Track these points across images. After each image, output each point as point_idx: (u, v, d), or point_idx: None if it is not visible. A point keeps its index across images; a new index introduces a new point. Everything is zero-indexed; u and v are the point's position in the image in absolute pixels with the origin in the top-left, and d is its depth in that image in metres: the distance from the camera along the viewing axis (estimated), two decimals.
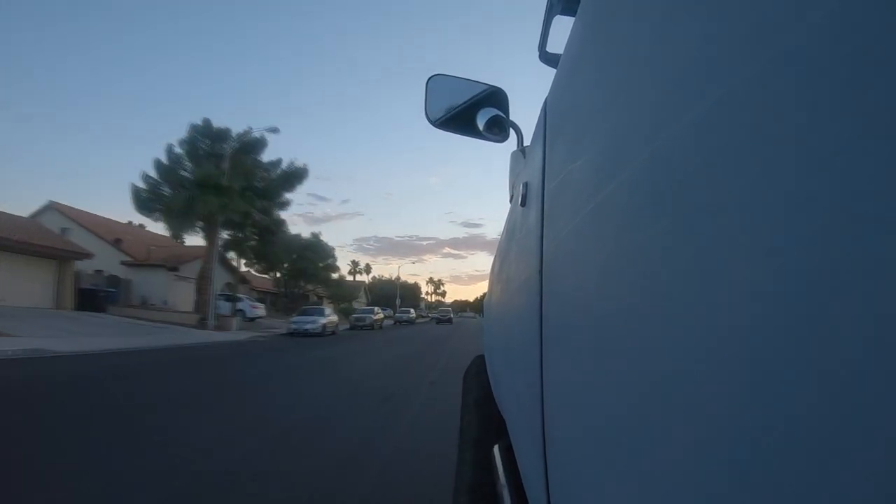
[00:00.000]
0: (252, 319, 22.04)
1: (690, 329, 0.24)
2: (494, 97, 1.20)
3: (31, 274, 16.07)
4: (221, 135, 18.88)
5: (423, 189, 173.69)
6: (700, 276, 0.23)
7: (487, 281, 1.66)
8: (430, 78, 1.26)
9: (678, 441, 0.24)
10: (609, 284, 0.36)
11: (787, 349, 0.17)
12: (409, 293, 64.82)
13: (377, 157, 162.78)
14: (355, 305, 40.37)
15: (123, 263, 21.65)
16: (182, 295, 20.94)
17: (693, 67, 0.26)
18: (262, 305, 24.76)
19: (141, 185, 17.65)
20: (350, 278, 62.12)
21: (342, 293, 37.18)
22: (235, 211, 17.30)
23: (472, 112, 1.19)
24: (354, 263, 71.41)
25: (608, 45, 0.43)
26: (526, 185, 0.79)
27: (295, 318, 18.40)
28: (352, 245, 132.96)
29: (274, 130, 18.81)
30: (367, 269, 75.85)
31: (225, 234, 19.82)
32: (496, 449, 0.96)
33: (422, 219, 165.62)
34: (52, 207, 22.00)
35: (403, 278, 72.83)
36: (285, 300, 25.08)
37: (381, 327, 27.49)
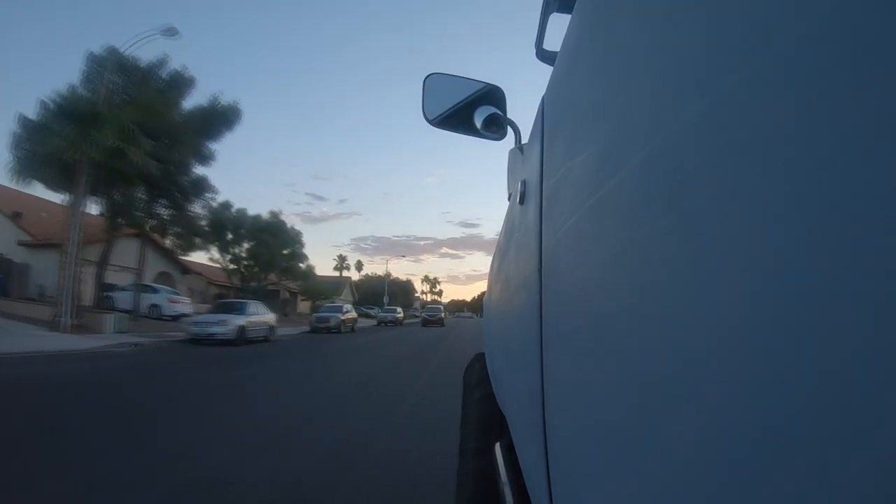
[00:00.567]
0: (176, 318, 16.04)
1: (690, 326, 0.24)
2: (492, 95, 1.20)
3: None
4: (129, 66, 13.00)
5: (421, 189, 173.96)
6: (699, 273, 0.23)
7: (485, 281, 1.66)
8: (427, 77, 1.26)
9: (679, 438, 0.24)
10: (608, 281, 0.36)
11: (786, 345, 0.17)
12: (401, 291, 59.86)
13: (374, 156, 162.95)
14: (339, 304, 36.85)
15: (22, 244, 16.76)
16: (88, 283, 14.68)
17: (689, 64, 0.26)
18: (187, 300, 18.28)
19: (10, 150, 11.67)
20: (337, 274, 58.54)
21: (317, 289, 31.40)
22: (101, 147, 10.95)
23: (469, 110, 1.19)
24: (341, 258, 68.34)
25: (605, 42, 0.43)
26: (524, 183, 0.79)
27: (198, 319, 12.40)
28: (349, 244, 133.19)
29: (171, 32, 12.75)
30: (359, 266, 73.21)
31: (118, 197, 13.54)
32: (498, 447, 0.96)
33: (419, 219, 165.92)
34: None
35: (400, 277, 69.40)
36: (250, 296, 18.28)
37: (352, 329, 20.77)
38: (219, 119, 14.85)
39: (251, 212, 23.59)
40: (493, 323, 1.26)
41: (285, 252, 24.76)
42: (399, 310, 34.75)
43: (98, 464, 2.71)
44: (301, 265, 26.58)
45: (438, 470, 2.66)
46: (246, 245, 23.39)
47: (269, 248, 23.30)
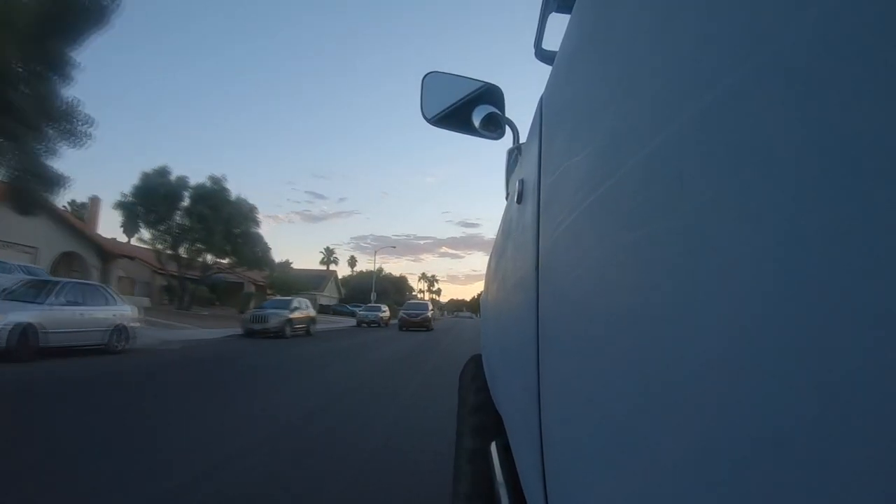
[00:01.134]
0: None
1: (687, 325, 0.24)
2: (490, 94, 1.20)
3: None
4: None
5: (421, 189, 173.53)
6: (696, 273, 0.23)
7: (484, 279, 1.66)
8: (426, 75, 1.26)
9: (675, 438, 0.24)
10: (605, 281, 0.36)
11: (783, 345, 0.17)
12: (394, 288, 51.52)
13: (374, 155, 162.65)
14: (323, 301, 30.78)
15: None
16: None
17: (688, 64, 0.26)
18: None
19: None
20: (322, 268, 53.71)
21: (290, 282, 26.19)
22: None
23: (468, 109, 1.19)
24: (328, 251, 62.99)
25: (603, 41, 0.43)
26: (522, 182, 0.79)
27: None
28: (349, 243, 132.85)
29: None
30: (352, 262, 69.83)
31: None
32: (493, 446, 0.96)
33: (419, 218, 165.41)
34: None
35: (398, 275, 64.06)
36: (203, 288, 14.68)
37: (307, 332, 14.69)
38: (79, 8, 8.60)
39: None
40: (490, 322, 1.26)
41: (236, 231, 18.72)
42: (384, 308, 26.69)
43: None
44: (257, 250, 20.46)
45: None
46: (179, 221, 17.90)
47: (205, 222, 17.11)
